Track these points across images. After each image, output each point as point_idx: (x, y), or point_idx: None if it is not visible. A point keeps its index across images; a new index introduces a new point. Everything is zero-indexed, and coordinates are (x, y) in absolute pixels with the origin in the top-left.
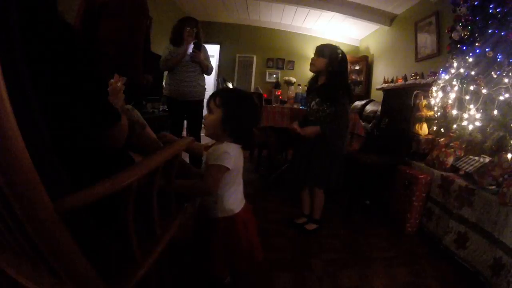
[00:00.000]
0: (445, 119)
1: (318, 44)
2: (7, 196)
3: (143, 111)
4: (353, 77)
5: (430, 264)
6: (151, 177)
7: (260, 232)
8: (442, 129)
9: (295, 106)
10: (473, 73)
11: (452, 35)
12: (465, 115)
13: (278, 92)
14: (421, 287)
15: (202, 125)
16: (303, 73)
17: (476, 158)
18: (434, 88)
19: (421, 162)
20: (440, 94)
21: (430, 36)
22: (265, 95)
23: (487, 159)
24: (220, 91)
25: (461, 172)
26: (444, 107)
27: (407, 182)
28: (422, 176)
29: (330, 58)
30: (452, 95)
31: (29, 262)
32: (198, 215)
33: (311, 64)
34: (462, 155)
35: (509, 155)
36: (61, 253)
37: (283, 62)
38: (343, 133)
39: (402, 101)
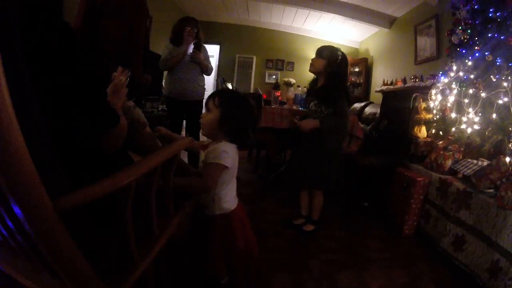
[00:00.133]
0: (444, 122)
1: (318, 45)
2: (6, 195)
3: (143, 111)
4: (353, 79)
5: (427, 266)
6: (150, 177)
7: (258, 232)
8: (440, 132)
9: (294, 107)
10: (472, 76)
11: (452, 39)
12: (464, 118)
13: (277, 93)
14: None
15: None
16: (303, 75)
17: (474, 161)
18: (433, 91)
19: (420, 164)
20: (439, 97)
21: (430, 39)
22: (264, 96)
23: (485, 163)
24: (220, 92)
25: (459, 175)
26: (443, 110)
27: (405, 184)
28: (420, 178)
29: (329, 60)
30: (451, 98)
31: (28, 261)
32: (194, 214)
33: (310, 65)
34: (461, 158)
35: (507, 159)
36: (60, 252)
37: (283, 63)
38: (340, 132)
39: (401, 103)
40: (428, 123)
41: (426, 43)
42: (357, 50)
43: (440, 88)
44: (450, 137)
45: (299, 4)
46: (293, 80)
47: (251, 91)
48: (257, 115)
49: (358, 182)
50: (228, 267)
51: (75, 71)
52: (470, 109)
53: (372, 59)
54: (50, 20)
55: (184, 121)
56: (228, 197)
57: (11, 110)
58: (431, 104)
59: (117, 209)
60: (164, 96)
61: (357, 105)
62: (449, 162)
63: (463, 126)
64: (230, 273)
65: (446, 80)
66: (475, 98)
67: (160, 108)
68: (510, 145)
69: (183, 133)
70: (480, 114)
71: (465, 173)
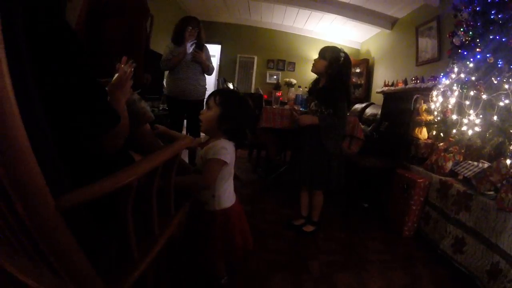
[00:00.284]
0: (444, 124)
1: (319, 46)
2: (9, 193)
3: None
4: (354, 80)
5: (426, 268)
6: (151, 176)
7: (257, 232)
8: (441, 134)
9: (295, 107)
10: (473, 78)
11: (453, 40)
12: (465, 120)
13: (278, 93)
14: None
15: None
16: (304, 75)
17: (475, 163)
18: (434, 93)
19: (420, 166)
20: (440, 98)
21: (431, 41)
22: (265, 96)
23: (486, 165)
24: (221, 90)
25: (460, 177)
26: (444, 112)
27: (405, 186)
28: (421, 180)
29: (330, 61)
30: (452, 100)
31: (29, 259)
32: (191, 210)
33: (312, 65)
34: (461, 160)
35: (507, 161)
36: (61, 250)
37: (284, 64)
38: (337, 132)
39: (402, 105)
40: (429, 125)
41: (428, 45)
42: (358, 51)
43: (441, 89)
44: (450, 139)
45: (300, 4)
46: (294, 81)
47: (252, 91)
48: (256, 116)
49: (358, 183)
50: (227, 265)
51: (76, 71)
52: (471, 111)
53: (373, 60)
54: (51, 20)
55: (185, 121)
56: (228, 193)
57: (16, 108)
58: (432, 106)
59: (118, 208)
60: (165, 96)
61: (358, 106)
62: (449, 164)
63: (464, 128)
64: (230, 273)
65: (447, 82)
66: (476, 100)
67: (161, 108)
68: (511, 147)
69: (184, 132)
70: (481, 116)
71: (465, 175)
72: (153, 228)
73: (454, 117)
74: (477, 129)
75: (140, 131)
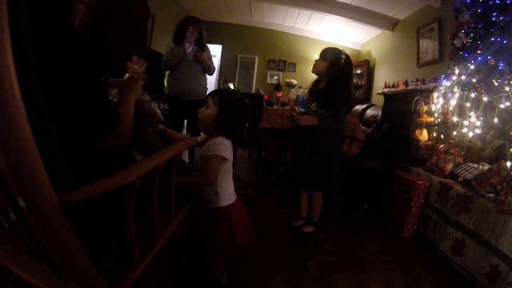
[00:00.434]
0: (445, 126)
1: (320, 47)
2: (11, 188)
3: None
4: (355, 81)
5: (426, 270)
6: (152, 176)
7: (257, 233)
8: (442, 136)
9: (295, 108)
10: (474, 80)
11: (454, 42)
12: (465, 122)
13: (279, 94)
14: None
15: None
16: (305, 76)
17: (475, 165)
18: (435, 94)
19: (420, 167)
20: (441, 100)
21: (432, 42)
22: (266, 97)
23: (486, 167)
24: (219, 90)
25: (460, 179)
26: (444, 114)
27: (405, 187)
28: (421, 181)
29: (331, 62)
30: (453, 102)
31: (30, 256)
32: (194, 209)
33: (313, 66)
34: (461, 162)
35: (508, 163)
36: (63, 247)
37: (285, 64)
38: (338, 133)
39: (402, 106)
40: (429, 126)
41: (429, 46)
42: (359, 52)
43: (442, 91)
44: (451, 141)
45: (302, 5)
46: (295, 81)
47: (253, 91)
48: (256, 116)
49: (358, 184)
50: (227, 264)
51: (77, 70)
52: (472, 113)
53: (374, 61)
54: (54, 19)
55: (185, 121)
56: (230, 189)
57: (22, 106)
58: (433, 107)
59: (119, 207)
60: (166, 95)
61: (359, 107)
62: (449, 166)
63: (465, 130)
64: (230, 273)
65: (448, 84)
66: (476, 102)
67: (161, 107)
68: (511, 150)
69: (184, 132)
70: (481, 118)
71: (465, 177)
72: (154, 227)
73: (455, 119)
74: (477, 131)
75: (143, 132)
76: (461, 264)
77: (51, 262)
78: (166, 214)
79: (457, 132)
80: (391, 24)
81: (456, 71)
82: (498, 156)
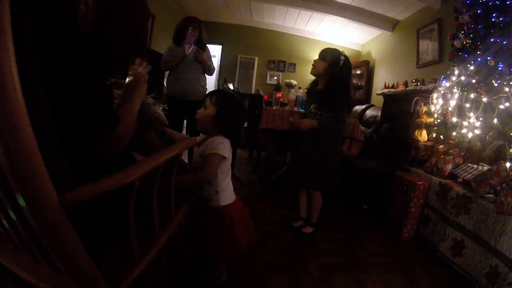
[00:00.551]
0: (444, 126)
1: (320, 47)
2: (12, 186)
3: None
4: (354, 81)
5: (425, 271)
6: (152, 176)
7: (257, 233)
8: (441, 136)
9: (295, 109)
10: (474, 81)
11: (454, 43)
12: (465, 123)
13: (278, 95)
14: None
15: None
16: (305, 76)
17: (475, 166)
18: (434, 95)
19: (420, 168)
20: (441, 101)
21: (432, 43)
22: (265, 97)
23: (486, 167)
24: (217, 91)
25: (459, 180)
26: (444, 114)
27: (405, 188)
28: (420, 182)
29: (330, 63)
30: (453, 103)
31: (30, 255)
32: (195, 208)
33: (312, 66)
34: (461, 162)
35: (507, 164)
36: (63, 246)
37: (285, 65)
38: (337, 135)
39: (402, 107)
40: (429, 127)
41: (428, 47)
42: (359, 52)
43: (442, 92)
44: (450, 142)
45: (302, 5)
46: (294, 82)
47: (253, 92)
48: (255, 116)
49: (357, 185)
50: (227, 264)
51: (79, 71)
52: (471, 114)
53: (374, 61)
54: (58, 20)
55: (185, 121)
56: (230, 188)
57: (23, 106)
58: (432, 108)
59: (119, 207)
60: (165, 95)
61: (358, 108)
62: (449, 167)
63: (464, 131)
64: (229, 273)
65: (447, 84)
66: (476, 103)
67: (161, 108)
68: (510, 151)
69: (184, 132)
70: (481, 119)
71: (465, 178)
72: (154, 227)
73: (454, 119)
74: (477, 131)
75: (147, 137)
76: (460, 264)
77: (51, 261)
78: (166, 214)
79: (456, 133)
80: (391, 24)
81: (456, 72)
82: (497, 156)
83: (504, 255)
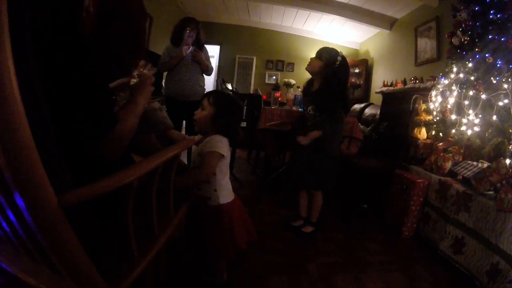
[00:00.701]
0: (444, 124)
1: (318, 46)
2: (11, 188)
3: None
4: (353, 80)
5: (426, 269)
6: (151, 176)
7: (256, 233)
8: (440, 134)
9: (294, 108)
10: (472, 78)
11: (452, 40)
12: (464, 120)
13: (277, 94)
14: None
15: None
16: (303, 75)
17: (474, 163)
18: (433, 93)
19: (419, 166)
20: (439, 98)
21: (430, 41)
22: (264, 97)
23: (485, 165)
24: (214, 91)
25: (459, 177)
26: (443, 112)
27: (404, 186)
28: (420, 180)
29: (326, 63)
30: (451, 100)
31: (29, 257)
32: (194, 207)
33: (308, 63)
34: (460, 160)
35: (507, 161)
36: (62, 247)
37: (283, 64)
38: (339, 136)
39: (401, 105)
40: (428, 125)
41: (427, 45)
42: (357, 51)
43: (440, 89)
44: (450, 139)
45: (299, 5)
46: (293, 81)
47: (251, 91)
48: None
49: (357, 184)
50: (227, 264)
51: (78, 72)
52: (470, 111)
53: (372, 60)
54: (58, 21)
55: (184, 121)
56: (228, 186)
57: (21, 106)
58: (431, 106)
59: (118, 208)
60: (164, 96)
61: (357, 106)
62: (449, 164)
63: (463, 128)
64: (229, 273)
65: (446, 82)
66: (475, 100)
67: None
68: (510, 147)
69: (183, 132)
70: (480, 116)
71: (465, 175)
72: (153, 227)
73: (453, 117)
74: (476, 129)
75: (147, 140)
76: (461, 262)
77: (50, 262)
78: (165, 214)
79: (455, 130)
80: (389, 23)
81: (454, 70)
82: (497, 153)
83: (505, 253)
